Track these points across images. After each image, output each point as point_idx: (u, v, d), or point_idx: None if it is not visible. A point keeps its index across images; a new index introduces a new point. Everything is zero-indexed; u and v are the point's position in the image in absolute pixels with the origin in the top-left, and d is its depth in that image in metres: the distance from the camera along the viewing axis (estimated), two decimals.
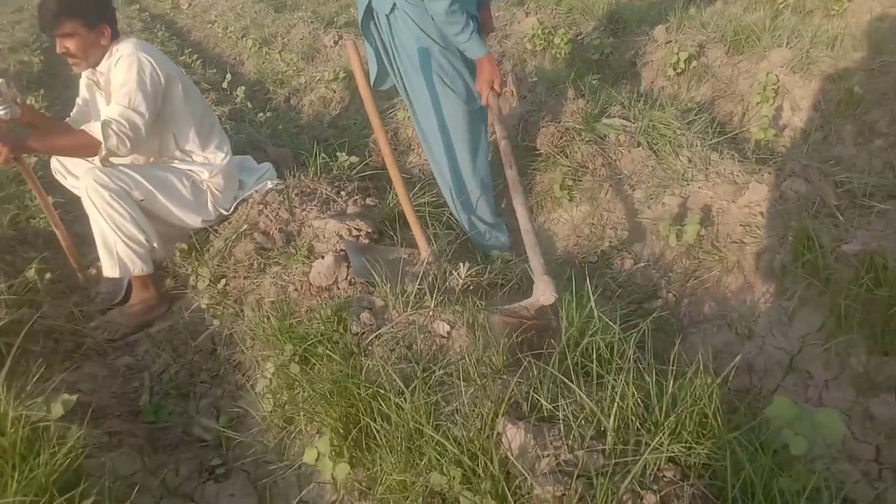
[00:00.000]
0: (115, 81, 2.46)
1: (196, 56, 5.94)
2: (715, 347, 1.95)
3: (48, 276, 2.84)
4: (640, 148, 2.77)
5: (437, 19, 2.15)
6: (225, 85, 4.86)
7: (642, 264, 2.36)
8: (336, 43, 5.29)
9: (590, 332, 1.54)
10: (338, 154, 3.36)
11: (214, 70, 5.47)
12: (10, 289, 2.64)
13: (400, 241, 2.55)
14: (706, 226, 2.30)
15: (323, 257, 2.34)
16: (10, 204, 3.47)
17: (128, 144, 2.43)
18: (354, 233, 2.48)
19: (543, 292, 1.86)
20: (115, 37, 2.57)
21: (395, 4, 2.18)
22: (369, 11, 2.25)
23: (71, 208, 3.41)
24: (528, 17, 4.81)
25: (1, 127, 2.48)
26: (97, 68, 2.58)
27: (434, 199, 2.78)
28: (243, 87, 4.66)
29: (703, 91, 3.56)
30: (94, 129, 2.42)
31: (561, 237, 2.74)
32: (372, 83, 2.51)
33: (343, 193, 2.92)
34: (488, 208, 2.59)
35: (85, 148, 2.45)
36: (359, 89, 2.04)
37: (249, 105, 4.49)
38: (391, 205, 2.78)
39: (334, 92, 4.57)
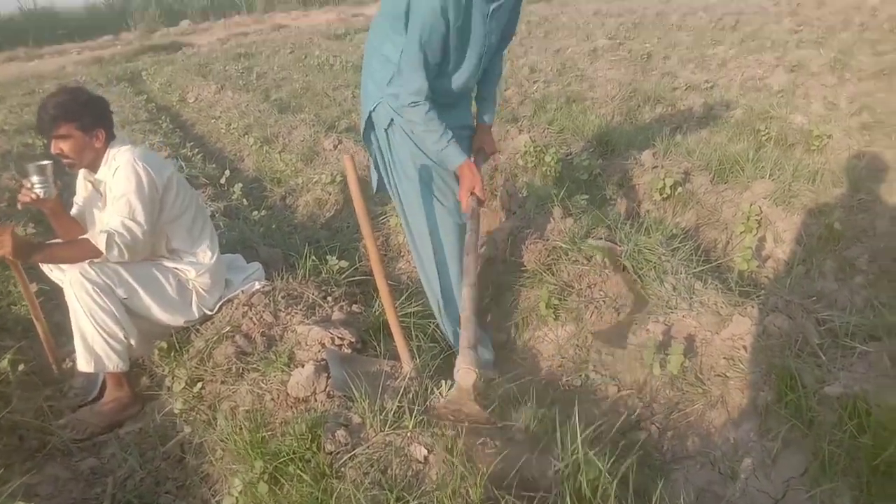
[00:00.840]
0: (115, 191, 2.52)
1: (197, 150, 6.08)
2: (697, 487, 1.90)
3: (21, 367, 2.78)
4: (626, 272, 2.81)
5: (416, 129, 2.22)
6: (223, 181, 4.95)
7: (626, 392, 2.34)
8: (336, 147, 5.44)
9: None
10: (328, 257, 3.38)
11: (214, 165, 5.58)
12: None
13: (383, 352, 2.53)
14: (690, 357, 2.29)
15: (303, 366, 2.31)
16: None
17: (127, 255, 2.50)
18: (337, 342, 2.46)
19: (461, 373, 1.73)
20: (111, 139, 2.65)
21: (392, 119, 2.27)
22: (370, 123, 2.34)
23: (53, 296, 3.38)
24: (521, 134, 5.00)
25: (35, 202, 2.56)
26: (96, 175, 2.64)
27: (420, 309, 2.78)
28: (241, 184, 4.75)
29: (688, 217, 3.66)
30: (96, 238, 2.46)
31: (545, 356, 2.72)
32: (374, 190, 2.59)
33: (330, 298, 2.92)
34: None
35: (86, 258, 2.48)
36: (353, 198, 2.09)
37: (245, 202, 4.56)
38: (377, 313, 2.78)
39: (330, 195, 4.65)
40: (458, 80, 2.26)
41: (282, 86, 9.51)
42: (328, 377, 2.25)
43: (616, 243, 2.98)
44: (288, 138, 6.10)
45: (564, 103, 6.01)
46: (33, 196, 2.53)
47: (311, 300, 2.88)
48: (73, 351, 2.92)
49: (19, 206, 2.62)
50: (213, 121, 7.57)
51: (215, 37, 20.31)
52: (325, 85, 8.80)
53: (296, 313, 2.76)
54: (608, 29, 10.28)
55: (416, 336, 2.63)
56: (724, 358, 2.26)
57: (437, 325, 2.71)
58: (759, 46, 7.53)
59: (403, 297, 2.88)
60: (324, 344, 2.44)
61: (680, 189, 3.75)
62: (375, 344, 2.59)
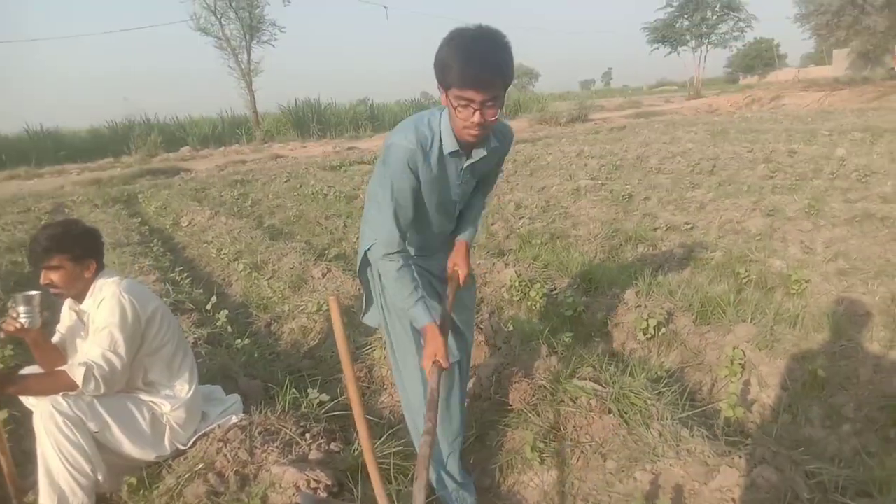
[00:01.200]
0: (98, 322, 2.53)
1: (186, 274, 6.12)
2: None
3: None
4: (611, 415, 2.77)
5: (387, 282, 2.27)
6: (209, 307, 4.94)
7: None
8: (324, 275, 5.50)
9: None
10: (309, 390, 3.33)
11: (202, 290, 5.59)
12: None
13: (360, 496, 2.43)
14: None
15: None
16: None
17: (103, 388, 2.47)
18: (313, 485, 2.37)
19: None
20: (101, 270, 2.68)
21: None
22: (365, 260, 2.40)
23: (23, 422, 3.26)
24: (507, 268, 5.09)
25: (18, 332, 2.54)
26: (81, 306, 2.65)
27: (402, 449, 2.71)
28: (226, 311, 4.74)
29: (672, 358, 3.66)
30: (74, 370, 2.44)
31: (530, 502, 2.62)
32: (363, 318, 2.59)
33: (308, 436, 2.84)
34: (457, 466, 2.51)
35: (61, 390, 2.44)
36: (336, 338, 2.08)
37: (230, 329, 4.53)
38: (356, 453, 2.69)
39: (315, 322, 4.64)
40: (435, 229, 2.35)
41: (275, 213, 9.74)
42: None
43: (601, 384, 2.96)
44: (277, 265, 6.17)
45: (549, 239, 6.18)
46: (17, 326, 2.52)
47: (288, 437, 2.81)
48: (37, 482, 2.79)
49: (1, 335, 2.60)
50: (204, 245, 7.67)
51: (214, 163, 21.03)
52: (318, 213, 9.03)
53: (272, 451, 2.68)
54: (590, 169, 10.77)
55: (396, 479, 2.54)
56: None
57: None
58: (735, 191, 7.88)
59: (385, 435, 2.81)
60: (299, 487, 2.35)
61: (663, 329, 3.78)
62: (353, 486, 2.49)
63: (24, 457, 3.02)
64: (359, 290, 4.82)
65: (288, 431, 2.82)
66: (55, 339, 2.79)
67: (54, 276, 2.57)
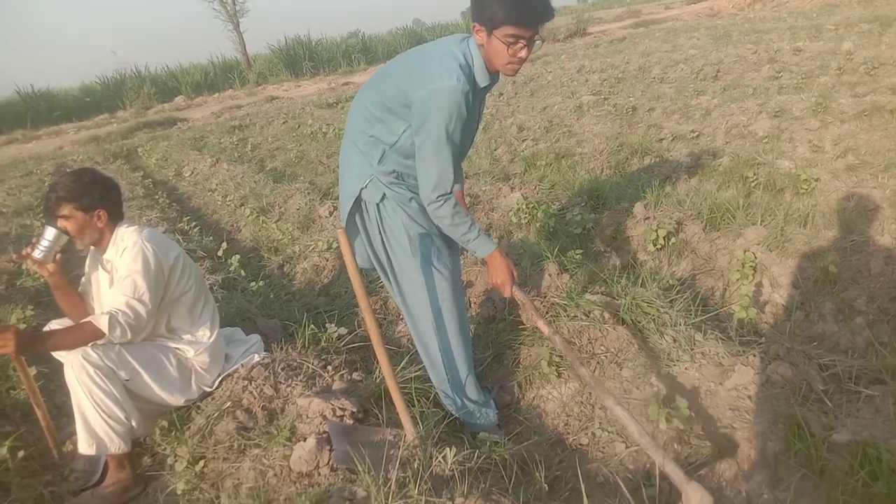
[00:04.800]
0: (122, 270, 2.57)
1: (195, 223, 6.15)
2: None
3: (21, 453, 2.74)
4: (625, 326, 2.81)
5: (443, 224, 2.27)
6: (220, 253, 4.98)
7: (633, 448, 2.30)
8: (331, 213, 5.50)
9: None
10: (327, 325, 3.38)
11: (211, 238, 5.63)
12: None
13: (385, 420, 2.50)
14: (695, 409, 2.27)
15: (305, 439, 2.28)
16: None
17: (129, 335, 2.52)
18: (339, 413, 2.43)
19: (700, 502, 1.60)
20: (117, 220, 2.70)
21: (384, 194, 2.31)
22: (357, 203, 2.37)
23: (53, 377, 3.36)
24: (513, 191, 5.07)
25: (27, 258, 2.62)
26: (104, 255, 2.68)
27: (421, 374, 2.77)
28: (238, 256, 4.78)
29: (683, 266, 3.68)
30: (98, 319, 2.48)
31: (550, 415, 2.69)
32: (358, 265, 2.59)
33: (330, 368, 2.90)
34: (475, 386, 2.57)
35: (89, 341, 2.48)
36: (348, 269, 2.10)
37: (243, 273, 4.57)
38: (377, 381, 2.76)
39: (327, 261, 4.67)
40: (459, 162, 2.34)
41: (276, 156, 9.68)
42: (331, 450, 2.22)
43: (614, 297, 2.99)
44: (284, 207, 6.18)
45: (554, 160, 6.12)
46: (28, 250, 2.60)
47: (311, 370, 2.87)
48: (74, 433, 2.89)
49: (14, 257, 2.69)
50: (209, 193, 7.67)
51: (209, 111, 20.77)
52: (319, 153, 8.96)
53: (296, 385, 2.75)
54: (592, 85, 10.54)
55: (419, 402, 2.61)
56: (730, 409, 2.24)
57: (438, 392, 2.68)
58: (741, 94, 7.70)
59: (404, 362, 2.87)
60: (325, 416, 2.41)
61: (673, 239, 3.78)
62: (377, 412, 2.56)
63: (58, 410, 3.12)
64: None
65: (310, 365, 2.88)
66: (80, 288, 2.84)
67: (67, 225, 2.61)
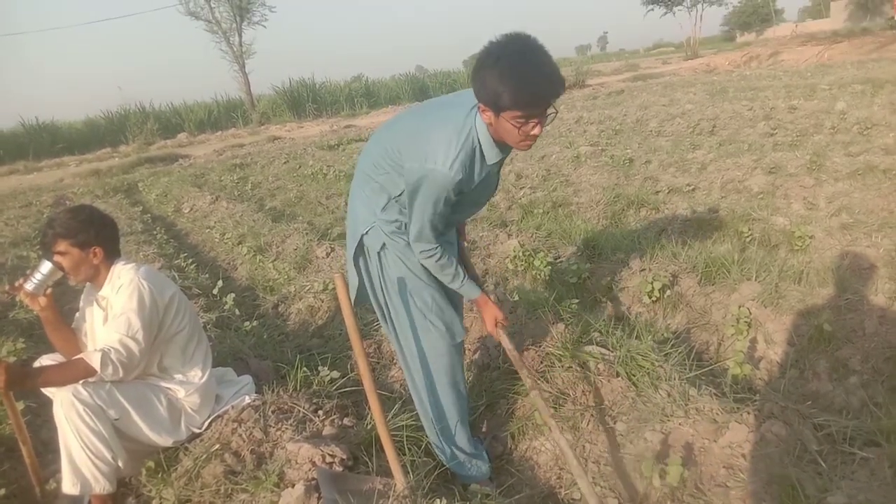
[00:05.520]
0: (116, 308, 2.57)
1: (191, 260, 6.15)
2: None
3: (2, 491, 2.68)
4: (620, 378, 2.80)
5: (431, 268, 2.29)
6: (215, 291, 4.96)
7: None
8: (328, 255, 5.51)
9: None
10: (319, 368, 3.36)
11: (207, 275, 5.62)
12: None
13: (376, 468, 2.47)
14: (689, 466, 2.25)
15: (294, 486, 2.24)
16: None
17: (121, 373, 2.50)
18: (328, 459, 2.40)
19: None
20: (113, 257, 2.71)
21: (384, 243, 2.31)
22: (360, 247, 2.37)
23: (40, 412, 3.31)
24: (510, 238, 5.10)
25: (19, 291, 2.62)
26: (100, 292, 2.68)
27: (413, 421, 2.74)
28: (233, 294, 4.77)
29: (678, 319, 3.68)
30: (91, 356, 2.47)
31: (543, 468, 2.66)
32: (353, 301, 2.57)
33: (321, 412, 2.87)
34: (467, 438, 2.54)
35: (80, 378, 2.47)
36: (343, 314, 2.10)
37: (237, 312, 4.56)
38: (369, 427, 2.73)
39: (322, 302, 4.67)
40: (465, 217, 2.41)
41: (276, 195, 9.74)
42: (319, 498, 2.19)
43: (609, 349, 2.99)
44: (281, 247, 6.19)
45: (551, 208, 6.17)
46: (21, 282, 2.61)
47: (301, 414, 2.84)
48: (59, 471, 2.83)
49: (7, 288, 2.70)
50: (207, 230, 7.69)
51: (212, 148, 20.99)
52: (319, 193, 9.03)
53: (286, 429, 2.71)
54: (590, 136, 10.70)
55: (410, 450, 2.58)
56: (724, 467, 2.22)
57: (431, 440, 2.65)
58: (736, 150, 7.83)
59: (396, 408, 2.84)
60: (315, 462, 2.38)
61: (668, 292, 3.80)
62: (367, 459, 2.53)
63: (43, 446, 3.07)
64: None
65: (301, 409, 2.86)
66: (74, 324, 2.83)
67: (62, 261, 2.62)
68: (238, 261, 6.34)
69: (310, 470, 2.34)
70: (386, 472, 2.38)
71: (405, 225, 2.29)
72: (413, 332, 2.39)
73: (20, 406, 2.90)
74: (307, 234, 6.33)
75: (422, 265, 2.33)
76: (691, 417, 2.46)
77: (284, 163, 13.40)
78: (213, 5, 30.58)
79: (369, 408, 2.83)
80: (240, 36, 30.94)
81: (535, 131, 1.96)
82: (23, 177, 20.47)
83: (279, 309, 4.89)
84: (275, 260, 5.86)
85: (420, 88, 36.36)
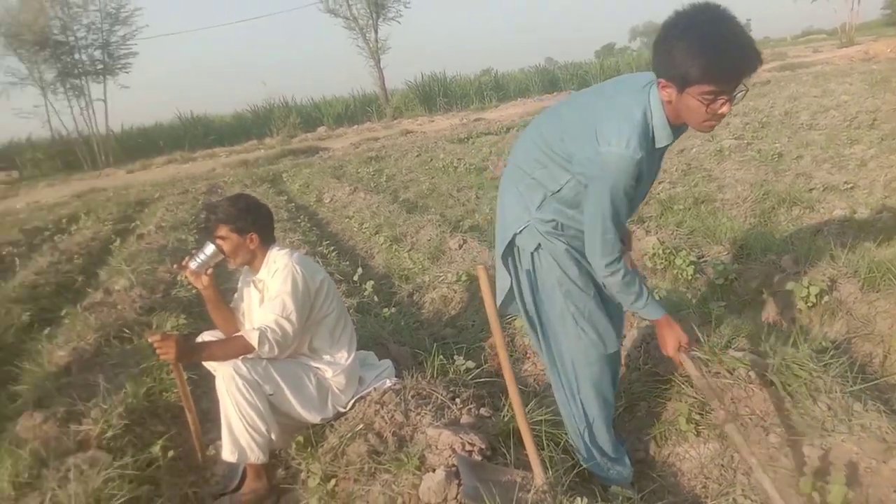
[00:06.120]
0: (272, 290, 2.75)
1: (332, 248, 6.46)
2: None
3: (171, 453, 2.96)
4: (773, 388, 2.63)
5: (611, 291, 2.17)
6: (356, 278, 5.19)
7: None
8: (461, 246, 5.59)
9: None
10: (455, 357, 3.42)
11: (348, 262, 5.89)
12: (136, 463, 2.76)
13: (513, 460, 2.48)
14: (853, 486, 2.08)
15: (434, 470, 2.30)
16: (147, 377, 3.72)
17: (276, 351, 2.69)
18: (468, 447, 2.44)
19: None
20: (269, 243, 2.91)
21: (539, 244, 2.21)
22: (511, 247, 2.29)
23: (201, 384, 3.62)
24: (648, 235, 4.93)
25: (184, 269, 2.89)
26: (257, 275, 2.89)
27: (551, 416, 2.71)
28: (372, 282, 4.96)
29: (837, 328, 3.40)
30: (249, 334, 2.68)
31: (687, 475, 2.56)
32: (497, 305, 2.53)
33: (458, 400, 2.93)
34: (610, 441, 2.47)
35: (240, 354, 2.68)
36: (486, 307, 2.12)
37: (376, 299, 4.74)
38: (505, 419, 2.74)
39: (455, 292, 4.75)
40: (628, 218, 2.19)
41: (409, 187, 10.00)
42: (459, 484, 2.23)
43: (760, 356, 2.82)
44: (416, 237, 6.36)
45: (692, 204, 5.90)
46: (186, 261, 2.87)
47: (439, 401, 2.91)
48: (217, 439, 3.09)
49: (173, 266, 2.96)
50: (346, 220, 8.05)
51: (349, 141, 21.90)
52: (450, 186, 9.17)
53: (425, 414, 2.79)
54: (734, 128, 10.10)
55: (548, 446, 2.57)
56: (895, 491, 2.04)
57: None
58: None
59: (532, 403, 2.83)
60: (454, 449, 2.43)
61: (826, 298, 3.51)
62: (505, 451, 2.54)
63: (203, 415, 3.35)
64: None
65: (439, 396, 2.92)
66: (232, 304, 3.07)
67: (223, 245, 2.85)
68: (375, 249, 6.59)
69: (450, 456, 2.39)
70: (524, 466, 2.39)
71: (562, 225, 2.17)
72: (563, 336, 2.30)
73: (186, 376, 3.18)
74: (440, 225, 6.46)
75: (579, 270, 2.21)
76: (855, 434, 2.27)
77: (417, 156, 13.74)
78: (350, 2, 31.83)
79: (505, 400, 2.87)
80: (376, 32, 32.00)
81: (724, 110, 1.80)
82: (179, 166, 22.38)
83: (414, 297, 5.03)
84: (410, 250, 6.03)
85: (550, 81, 35.94)
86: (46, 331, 5.03)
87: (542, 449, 2.51)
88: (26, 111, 27.71)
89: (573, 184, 2.08)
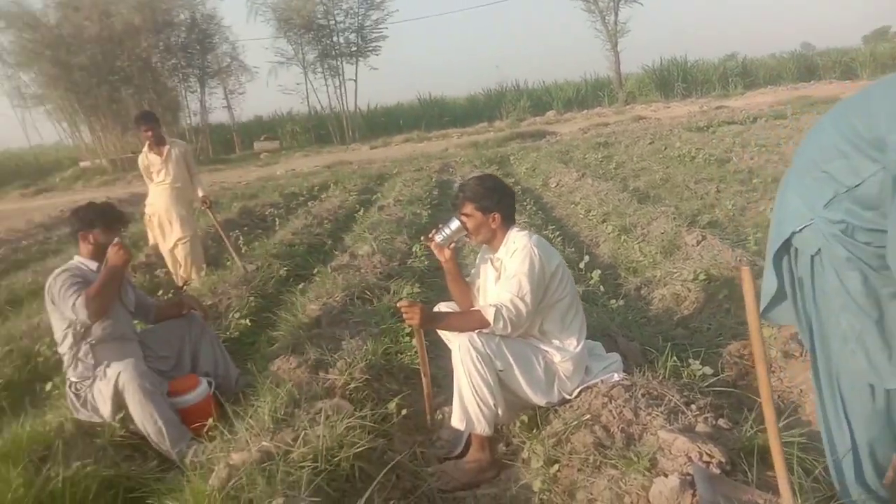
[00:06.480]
0: (510, 270, 2.82)
1: (558, 233, 6.43)
2: None
3: (403, 412, 3.16)
4: None
5: None
6: (581, 265, 5.11)
7: None
8: (699, 243, 5.24)
9: None
10: (690, 361, 3.22)
11: (573, 249, 5.83)
12: (373, 416, 2.99)
13: (755, 480, 2.27)
14: None
15: (667, 475, 2.19)
16: (385, 337, 4.00)
17: (509, 328, 2.75)
18: (706, 458, 2.28)
19: None
20: (509, 223, 2.97)
21: (820, 248, 1.93)
22: (787, 246, 2.04)
23: (432, 350, 3.80)
24: None
25: (430, 242, 3.09)
26: (495, 253, 2.96)
27: (804, 441, 2.44)
28: (598, 271, 4.85)
29: None
30: (486, 310, 2.77)
31: None
32: (761, 310, 2.29)
33: (693, 406, 2.75)
34: (877, 477, 2.14)
35: (475, 327, 2.78)
36: (747, 314, 1.94)
37: (602, 289, 4.63)
38: (748, 434, 2.52)
39: (689, 291, 4.47)
40: None
41: (640, 176, 9.63)
42: (694, 495, 2.10)
43: None
44: (647, 229, 6.10)
45: None
46: (432, 234, 3.05)
47: (672, 404, 2.75)
48: (444, 404, 3.24)
49: (422, 238, 3.16)
50: (572, 206, 7.97)
51: (577, 126, 21.69)
52: (686, 177, 8.67)
53: (657, 415, 2.66)
54: None
55: (797, 471, 2.31)
56: None
57: (825, 467, 2.31)
58: None
59: (782, 423, 2.56)
60: (690, 457, 2.28)
61: None
62: (746, 469, 2.34)
63: (433, 379, 3.52)
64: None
65: (672, 398, 2.77)
66: (469, 279, 3.19)
67: (467, 222, 2.96)
68: (601, 238, 6.44)
69: (685, 464, 2.25)
70: (767, 488, 2.18)
71: (852, 228, 1.86)
72: (837, 351, 2.00)
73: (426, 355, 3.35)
74: (675, 218, 6.12)
75: (863, 285, 1.89)
76: None
77: (649, 143, 13.18)
78: None
79: (747, 414, 2.64)
80: (616, 14, 31.04)
81: None
82: (415, 145, 23.82)
83: (641, 292, 4.83)
84: (640, 242, 5.80)
85: (807, 68, 32.17)
86: (301, 286, 5.62)
87: (791, 474, 2.26)
88: (289, 88, 31.15)
89: (880, 177, 1.76)
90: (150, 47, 26.30)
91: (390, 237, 6.84)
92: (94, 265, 3.39)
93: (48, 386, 4.01)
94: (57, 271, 3.34)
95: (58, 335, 3.36)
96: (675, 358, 3.23)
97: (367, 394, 3.32)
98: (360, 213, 9.16)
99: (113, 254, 3.24)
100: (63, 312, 3.22)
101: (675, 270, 4.79)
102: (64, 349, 3.33)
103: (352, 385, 3.32)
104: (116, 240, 3.30)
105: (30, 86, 26.67)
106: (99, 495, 2.86)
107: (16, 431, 3.17)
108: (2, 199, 22.32)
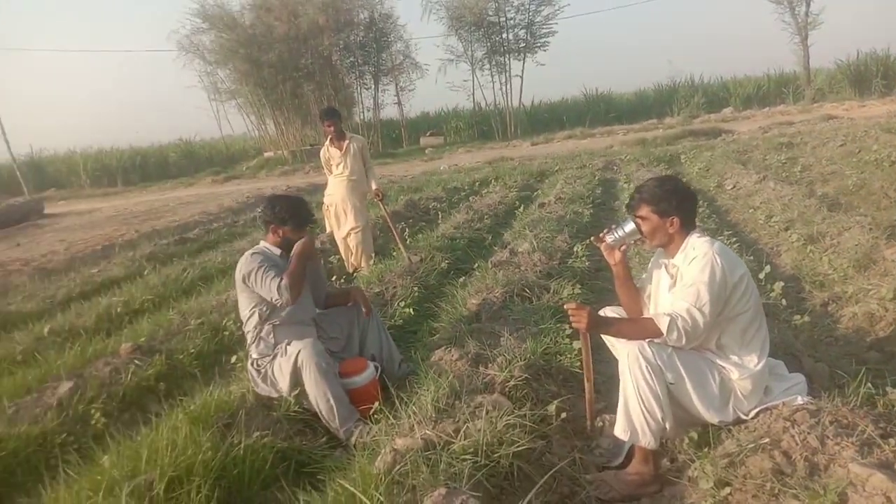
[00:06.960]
0: (687, 278, 2.67)
1: (735, 240, 6.03)
2: None
3: (563, 415, 3.12)
4: None
5: None
6: (761, 276, 4.75)
7: None
8: None
9: None
10: (887, 388, 2.90)
11: (751, 258, 5.43)
12: (532, 416, 2.98)
13: None
14: None
15: None
16: (545, 337, 3.97)
17: (683, 340, 2.62)
18: None
19: None
20: (689, 228, 2.81)
21: None
22: None
23: (598, 351, 3.71)
24: None
25: (601, 243, 3.02)
26: (671, 260, 2.84)
27: None
28: (781, 283, 4.49)
29: None
30: (659, 319, 2.66)
31: None
32: None
33: (892, 441, 2.46)
34: None
35: (646, 336, 2.68)
36: None
37: (784, 303, 4.28)
38: None
39: (886, 311, 4.01)
40: None
41: (829, 181, 8.79)
42: None
43: None
44: (837, 239, 5.54)
45: None
46: (603, 234, 2.98)
47: (866, 435, 2.48)
48: (605, 411, 3.17)
49: (592, 238, 3.21)
50: (750, 210, 7.44)
51: (756, 125, 20.22)
52: (885, 184, 7.78)
53: (847, 446, 2.41)
54: None
55: None
56: None
57: None
58: None
59: None
60: (890, 498, 2.05)
61: None
62: None
63: (595, 384, 3.44)
64: None
65: (866, 429, 2.50)
66: (639, 285, 3.08)
67: (642, 224, 2.86)
68: (783, 247, 5.96)
69: (884, 503, 2.03)
70: None
71: None
72: None
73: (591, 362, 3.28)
74: (871, 229, 5.51)
75: None
76: None
77: (840, 145, 11.95)
78: None
79: None
80: (807, 5, 28.35)
81: None
82: (578, 141, 23.40)
83: (829, 308, 4.42)
84: (828, 253, 5.29)
85: None
86: (461, 279, 5.73)
87: None
88: (456, 85, 31.66)
89: None
90: (331, 45, 27.93)
91: (550, 235, 6.78)
92: (278, 251, 3.69)
93: (233, 358, 4.43)
94: (248, 253, 3.66)
95: (244, 314, 3.69)
96: (869, 384, 2.91)
97: (525, 393, 3.32)
98: (520, 209, 9.16)
99: (303, 246, 3.54)
100: (258, 291, 3.52)
101: (870, 287, 4.33)
102: (249, 328, 3.66)
103: (511, 383, 3.33)
104: (306, 238, 3.60)
105: (224, 81, 29.38)
106: (273, 466, 3.11)
107: (205, 398, 3.53)
108: (197, 184, 25.00)
